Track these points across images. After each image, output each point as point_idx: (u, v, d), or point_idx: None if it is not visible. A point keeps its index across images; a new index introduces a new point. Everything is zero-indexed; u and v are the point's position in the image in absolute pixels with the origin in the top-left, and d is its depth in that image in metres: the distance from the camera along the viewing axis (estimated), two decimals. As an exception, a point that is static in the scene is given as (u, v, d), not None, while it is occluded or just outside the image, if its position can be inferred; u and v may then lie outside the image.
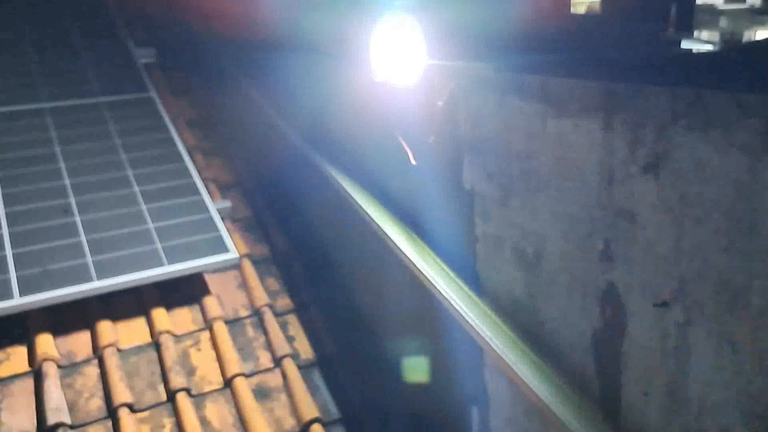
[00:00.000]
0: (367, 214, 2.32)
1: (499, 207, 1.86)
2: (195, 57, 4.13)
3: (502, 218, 1.86)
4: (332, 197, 2.68)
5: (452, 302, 2.00)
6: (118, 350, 2.56)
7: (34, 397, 2.35)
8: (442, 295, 2.03)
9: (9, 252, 2.49)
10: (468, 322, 1.94)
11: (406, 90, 2.10)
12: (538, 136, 1.63)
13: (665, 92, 1.21)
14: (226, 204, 3.14)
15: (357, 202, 2.40)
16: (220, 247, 2.74)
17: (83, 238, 2.63)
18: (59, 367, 2.46)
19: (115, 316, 2.68)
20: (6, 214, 2.65)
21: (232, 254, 2.72)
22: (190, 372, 2.56)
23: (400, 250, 2.20)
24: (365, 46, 2.15)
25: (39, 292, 2.38)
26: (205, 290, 2.85)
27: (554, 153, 1.59)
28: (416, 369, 2.52)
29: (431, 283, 2.08)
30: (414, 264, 2.13)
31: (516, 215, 1.79)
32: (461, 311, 1.96)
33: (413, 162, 2.09)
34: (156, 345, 2.62)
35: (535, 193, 1.69)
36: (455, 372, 2.24)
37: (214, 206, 2.92)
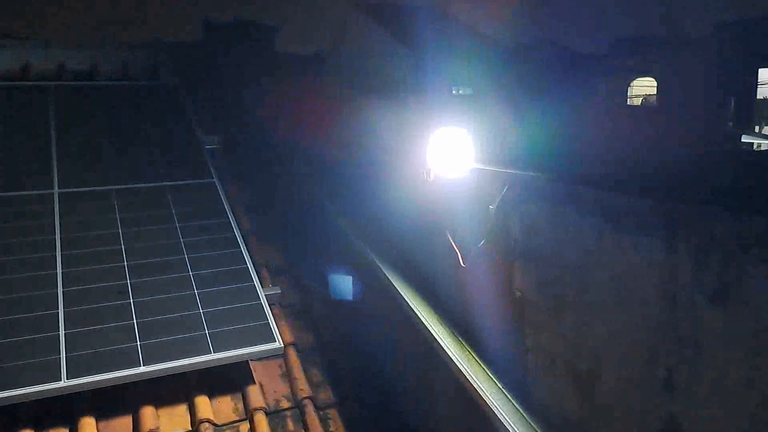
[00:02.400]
0: (414, 312, 2.27)
1: (551, 319, 1.78)
2: (257, 146, 4.29)
3: (554, 331, 1.77)
4: (380, 292, 2.65)
5: (499, 415, 1.89)
6: (158, 437, 2.53)
7: (71, 483, 2.32)
8: (488, 406, 1.93)
9: (62, 332, 2.54)
10: (516, 437, 1.82)
11: (458, 196, 2.09)
12: (593, 250, 1.57)
13: (733, 219, 1.15)
14: (276, 290, 3.15)
15: (405, 299, 2.36)
16: (267, 336, 2.72)
17: (135, 321, 2.66)
18: (99, 452, 2.44)
19: (159, 402, 2.66)
20: (64, 293, 2.73)
21: (278, 344, 2.70)
22: (227, 465, 2.50)
23: (447, 353, 2.12)
24: (422, 152, 2.18)
25: (87, 375, 2.40)
26: (249, 378, 2.81)
27: (611, 269, 1.52)
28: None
29: (477, 392, 1.98)
30: (461, 371, 2.05)
31: (569, 330, 1.71)
32: (508, 425, 1.86)
33: (463, 264, 2.05)
34: (196, 434, 2.58)
35: (591, 309, 1.61)
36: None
37: (263, 293, 2.93)
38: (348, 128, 2.90)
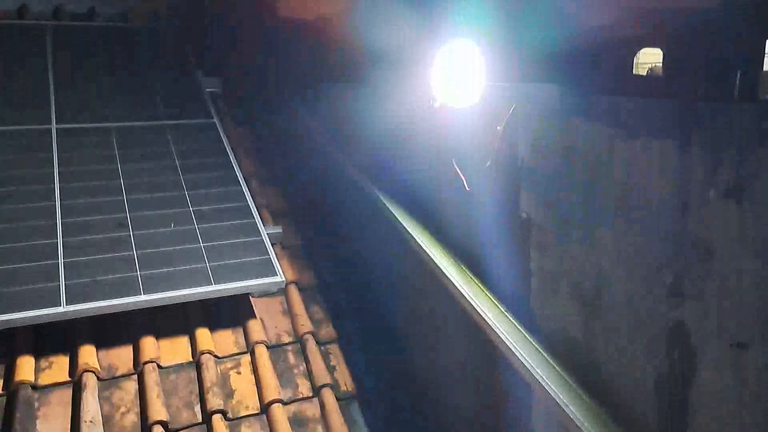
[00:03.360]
0: (417, 242, 2.25)
1: (557, 239, 1.75)
2: (260, 87, 4.22)
3: (560, 251, 1.75)
4: (383, 226, 2.63)
5: (502, 338, 1.88)
6: (159, 367, 2.53)
7: (71, 408, 2.33)
8: (492, 329, 1.92)
9: (61, 261, 2.52)
10: (519, 359, 1.81)
11: (464, 114, 2.05)
12: (604, 162, 1.53)
13: (751, 108, 1.11)
14: (278, 230, 3.12)
15: (407, 231, 2.34)
16: (268, 270, 2.70)
17: (134, 253, 2.64)
18: (99, 379, 2.44)
19: (159, 333, 2.66)
20: (62, 224, 2.70)
21: (279, 278, 2.68)
22: (228, 395, 2.50)
23: (449, 280, 2.11)
24: (426, 72, 2.12)
25: (86, 302, 2.39)
26: (250, 313, 2.81)
27: (621, 180, 1.49)
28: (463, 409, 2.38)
29: (480, 317, 1.97)
30: (463, 295, 2.04)
31: (576, 248, 1.68)
32: (512, 348, 1.85)
33: (467, 188, 2.02)
34: (197, 364, 2.58)
35: (599, 224, 1.59)
36: (505, 411, 2.10)
37: (264, 230, 2.91)
38: (345, 50, 2.82)
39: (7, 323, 2.27)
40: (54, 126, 3.29)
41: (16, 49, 3.82)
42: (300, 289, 3.01)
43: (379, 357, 2.83)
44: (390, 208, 2.47)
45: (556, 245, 1.76)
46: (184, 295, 2.53)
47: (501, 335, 1.88)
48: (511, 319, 1.93)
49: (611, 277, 1.56)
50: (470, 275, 2.09)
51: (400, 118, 2.49)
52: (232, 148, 3.45)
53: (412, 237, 2.28)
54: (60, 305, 2.35)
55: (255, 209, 3.03)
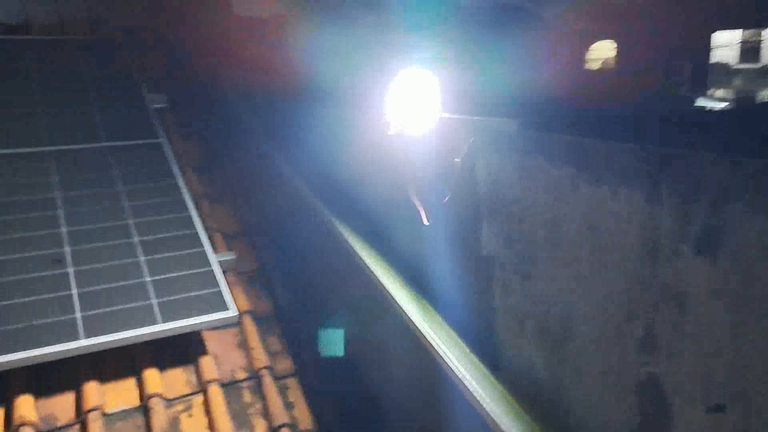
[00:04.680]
0: (374, 275, 2.14)
1: (521, 278, 1.66)
2: (208, 103, 4.04)
3: (524, 290, 1.66)
4: (338, 253, 2.50)
5: (464, 379, 1.78)
6: (104, 414, 2.36)
7: (7, 467, 2.15)
8: (452, 370, 1.82)
9: (-8, 305, 2.33)
10: (481, 402, 1.72)
11: (421, 144, 1.94)
12: (567, 201, 1.44)
13: (722, 162, 1.03)
14: (230, 257, 2.97)
15: (364, 261, 2.22)
16: (219, 304, 2.55)
17: (74, 291, 2.46)
18: (38, 432, 2.26)
19: (104, 376, 2.49)
20: (-6, 263, 2.50)
21: (231, 312, 2.53)
22: (179, 441, 2.35)
23: (409, 317, 2.00)
24: (381, 98, 2.01)
25: (18, 351, 2.20)
26: (202, 349, 2.65)
27: (586, 221, 1.40)
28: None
29: (441, 357, 1.87)
30: (423, 334, 1.93)
31: (541, 288, 1.59)
32: (473, 389, 1.75)
33: (425, 222, 1.91)
34: (145, 409, 2.42)
35: (563, 265, 1.50)
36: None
37: (216, 259, 2.75)
38: (299, 68, 2.69)
39: (-72, 381, 2.07)
40: (-15, 152, 3.07)
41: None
42: (255, 319, 2.87)
43: (339, 387, 2.71)
44: (346, 237, 2.35)
45: (521, 284, 1.67)
46: (128, 338, 2.36)
47: (462, 376, 1.78)
48: (474, 357, 1.84)
49: (579, 321, 1.48)
50: (432, 311, 1.99)
51: (356, 141, 2.37)
52: (180, 168, 3.28)
53: (369, 269, 2.17)
54: (-10, 357, 2.16)
55: (205, 236, 2.87)
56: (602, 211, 1.34)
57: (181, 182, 3.13)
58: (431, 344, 1.90)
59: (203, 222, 3.25)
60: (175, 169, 3.21)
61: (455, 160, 1.78)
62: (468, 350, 1.87)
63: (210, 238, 3.16)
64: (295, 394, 2.65)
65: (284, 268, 3.18)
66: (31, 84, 3.60)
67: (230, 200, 3.50)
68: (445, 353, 1.85)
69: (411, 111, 1.92)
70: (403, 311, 2.03)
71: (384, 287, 2.09)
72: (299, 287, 3.11)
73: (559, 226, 1.49)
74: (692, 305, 1.18)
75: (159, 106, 3.84)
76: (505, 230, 1.69)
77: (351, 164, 2.53)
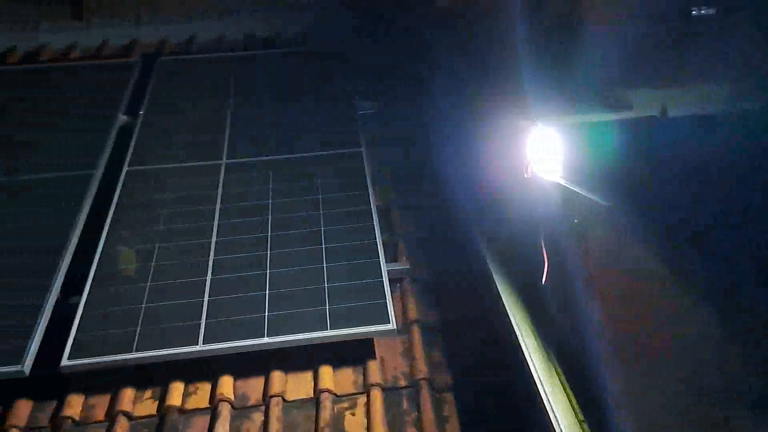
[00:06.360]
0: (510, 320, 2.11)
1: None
2: (415, 109, 4.23)
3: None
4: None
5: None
6: (284, 400, 2.75)
7: (206, 433, 2.66)
8: None
9: (206, 300, 2.86)
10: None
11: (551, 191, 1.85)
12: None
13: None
14: (405, 266, 3.15)
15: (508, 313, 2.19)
16: (382, 317, 2.76)
17: (267, 293, 2.88)
18: (233, 408, 2.74)
19: (288, 367, 2.88)
20: (213, 262, 3.05)
21: (391, 326, 2.72)
22: (340, 437, 2.63)
23: (535, 368, 1.94)
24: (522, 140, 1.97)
25: (219, 342, 2.68)
26: (371, 353, 2.89)
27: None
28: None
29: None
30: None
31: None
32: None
33: (544, 279, 1.83)
34: (317, 401, 2.75)
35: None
36: None
37: (386, 270, 2.95)
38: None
39: (153, 358, 2.66)
40: (223, 161, 3.70)
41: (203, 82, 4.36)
42: (423, 329, 3.01)
43: (495, 409, 2.71)
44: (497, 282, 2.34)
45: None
46: (300, 339, 2.71)
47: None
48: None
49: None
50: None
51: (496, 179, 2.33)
52: (374, 178, 3.54)
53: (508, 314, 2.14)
54: (197, 344, 2.68)
55: (381, 246, 3.08)
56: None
57: (370, 192, 3.39)
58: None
59: (390, 230, 3.48)
60: (368, 179, 3.47)
61: (574, 221, 1.66)
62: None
63: (394, 246, 3.38)
64: (451, 410, 2.74)
65: (459, 280, 3.25)
66: (266, 98, 4.19)
67: (422, 208, 3.66)
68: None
69: (543, 158, 1.84)
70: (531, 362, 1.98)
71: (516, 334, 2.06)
72: (471, 303, 3.14)
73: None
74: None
75: (368, 112, 4.16)
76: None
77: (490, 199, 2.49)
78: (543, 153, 1.82)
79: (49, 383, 2.76)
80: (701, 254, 1.61)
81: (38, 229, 3.24)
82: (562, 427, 1.76)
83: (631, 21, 2.19)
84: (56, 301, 2.88)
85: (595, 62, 2.16)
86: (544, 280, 1.81)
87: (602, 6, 2.24)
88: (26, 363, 2.60)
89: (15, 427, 2.62)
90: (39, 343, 2.71)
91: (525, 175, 1.92)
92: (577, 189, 1.74)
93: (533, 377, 1.91)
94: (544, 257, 1.84)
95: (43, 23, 5.03)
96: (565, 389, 1.87)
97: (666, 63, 2.20)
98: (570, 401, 1.88)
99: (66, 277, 3.00)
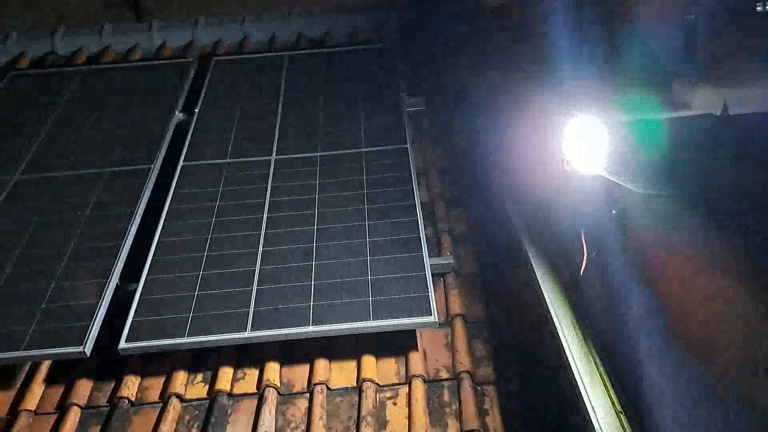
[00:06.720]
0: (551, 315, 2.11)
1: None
2: (463, 105, 4.25)
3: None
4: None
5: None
6: (328, 388, 2.83)
7: (253, 418, 2.75)
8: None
9: (254, 288, 2.96)
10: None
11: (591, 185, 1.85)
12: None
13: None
14: (448, 260, 3.17)
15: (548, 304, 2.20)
16: (424, 309, 2.79)
17: (312, 283, 2.96)
18: (279, 394, 2.83)
19: (332, 355, 2.95)
20: (262, 252, 3.15)
21: (432, 319, 2.75)
22: (382, 425, 2.68)
23: (573, 360, 1.95)
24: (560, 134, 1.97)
25: (266, 329, 2.78)
26: (413, 344, 2.94)
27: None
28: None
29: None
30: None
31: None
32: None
33: (581, 272, 1.83)
34: (359, 390, 2.81)
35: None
36: None
37: (429, 263, 2.99)
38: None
39: (202, 344, 2.78)
40: (273, 157, 3.81)
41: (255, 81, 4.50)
42: (466, 323, 3.04)
43: (539, 406, 2.71)
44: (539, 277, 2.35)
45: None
46: (344, 329, 2.77)
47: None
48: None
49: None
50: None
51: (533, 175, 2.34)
52: (419, 173, 3.58)
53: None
54: (245, 330, 2.78)
55: (424, 241, 3.12)
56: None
57: (414, 188, 3.43)
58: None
59: (435, 224, 3.52)
60: (413, 175, 3.52)
61: (613, 212, 1.66)
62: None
63: (438, 239, 3.42)
64: (492, 402, 2.75)
65: (502, 274, 3.25)
66: (316, 95, 4.29)
67: (468, 201, 3.68)
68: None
69: (584, 151, 1.85)
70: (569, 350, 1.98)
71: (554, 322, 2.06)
72: (514, 298, 3.15)
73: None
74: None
75: (415, 108, 4.20)
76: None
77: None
78: (586, 147, 1.81)
79: (108, 365, 2.93)
80: (755, 251, 1.58)
81: (100, 220, 3.42)
82: (599, 417, 1.76)
83: (694, 16, 2.16)
84: (116, 287, 3.04)
85: (653, 58, 2.14)
86: (582, 272, 1.81)
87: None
88: (87, 345, 2.75)
89: (76, 405, 2.79)
90: (99, 327, 2.86)
91: (566, 169, 1.92)
92: (621, 182, 1.72)
93: (571, 368, 1.91)
94: (583, 250, 1.84)
95: (106, 26, 5.27)
96: (603, 381, 1.86)
97: (728, 59, 2.16)
98: (608, 393, 1.87)
99: (125, 264, 3.16)
